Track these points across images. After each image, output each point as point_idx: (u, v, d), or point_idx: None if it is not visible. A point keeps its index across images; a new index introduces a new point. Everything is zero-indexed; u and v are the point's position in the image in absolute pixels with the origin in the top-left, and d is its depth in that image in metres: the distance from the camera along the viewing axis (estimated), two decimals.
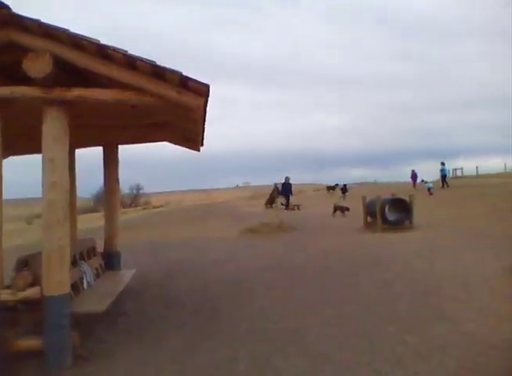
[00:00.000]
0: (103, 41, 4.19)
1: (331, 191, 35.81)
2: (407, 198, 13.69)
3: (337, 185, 35.15)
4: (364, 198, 14.58)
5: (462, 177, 47.73)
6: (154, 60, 4.16)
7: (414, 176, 32.09)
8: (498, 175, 41.85)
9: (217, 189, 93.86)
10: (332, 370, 4.03)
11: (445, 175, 29.20)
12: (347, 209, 18.58)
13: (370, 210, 14.04)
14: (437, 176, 30.40)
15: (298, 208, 23.91)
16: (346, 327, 5.16)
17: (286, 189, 24.52)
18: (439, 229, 12.55)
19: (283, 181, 25.14)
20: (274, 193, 25.90)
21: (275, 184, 26.41)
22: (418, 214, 14.01)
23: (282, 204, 23.96)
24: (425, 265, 8.15)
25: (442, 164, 29.07)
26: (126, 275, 6.97)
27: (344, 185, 31.35)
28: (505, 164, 43.05)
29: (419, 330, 4.92)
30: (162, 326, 5.57)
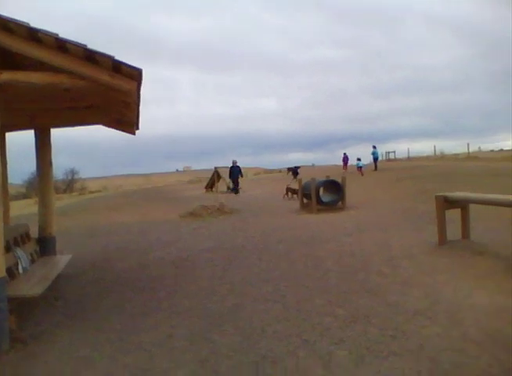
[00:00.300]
0: (36, 24, 4.14)
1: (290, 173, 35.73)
2: (340, 180, 14.28)
3: (295, 167, 34.52)
4: (300, 181, 15.05)
5: (395, 160, 49.99)
6: (85, 44, 4.17)
7: (345, 159, 33.21)
8: (428, 158, 44.20)
9: (157, 173, 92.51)
10: (265, 343, 4.28)
11: (377, 158, 30.47)
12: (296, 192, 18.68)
13: (306, 192, 14.52)
14: (370, 159, 31.63)
15: (237, 192, 24.20)
16: (280, 302, 5.45)
17: (234, 172, 24.37)
18: (369, 209, 13.23)
19: (220, 165, 25.35)
20: (214, 177, 26.04)
21: (216, 168, 26.54)
22: (350, 195, 14.66)
23: (229, 188, 23.96)
24: (354, 241, 8.64)
25: (374, 147, 30.33)
26: (62, 260, 6.91)
27: (296, 167, 31.99)
28: (434, 147, 45.36)
29: (346, 302, 5.29)
30: (101, 307, 5.63)
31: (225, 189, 24.83)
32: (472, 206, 7.47)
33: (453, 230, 7.61)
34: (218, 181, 25.82)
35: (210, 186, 26.12)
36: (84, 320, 5.17)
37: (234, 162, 24.41)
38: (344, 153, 33.49)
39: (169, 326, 4.85)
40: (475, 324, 4.32)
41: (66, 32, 4.13)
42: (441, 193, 7.47)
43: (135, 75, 4.39)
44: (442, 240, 7.33)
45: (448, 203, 7.28)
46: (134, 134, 7.43)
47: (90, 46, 4.18)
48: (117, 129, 7.49)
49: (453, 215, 7.57)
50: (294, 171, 31.00)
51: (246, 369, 3.76)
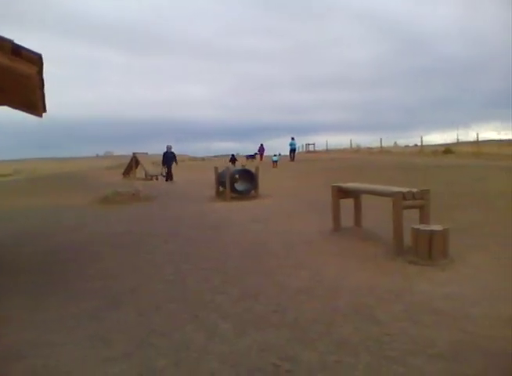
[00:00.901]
0: None
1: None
2: (254, 170, 14.78)
3: (233, 155, 34.10)
4: (216, 169, 15.37)
5: (314, 151, 51.77)
6: None
7: (261, 150, 34.18)
8: (344, 151, 46.22)
9: (76, 158, 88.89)
10: (158, 319, 4.57)
11: (294, 149, 31.58)
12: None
13: (221, 180, 14.89)
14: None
15: (157, 179, 24.06)
16: (179, 283, 5.75)
17: (168, 158, 22.85)
18: (280, 198, 13.85)
19: (142, 151, 24.86)
20: (132, 163, 25.66)
21: (134, 154, 26.15)
22: (265, 185, 15.22)
23: (162, 175, 23.05)
24: (259, 227, 9.13)
25: (292, 139, 31.41)
26: None
27: (233, 155, 32.37)
28: (350, 141, 47.51)
29: (240, 282, 5.70)
30: (5, 288, 5.64)
31: (143, 175, 24.56)
32: (369, 196, 8.15)
33: (351, 218, 8.28)
34: (137, 167, 25.50)
35: (128, 172, 25.72)
36: None
37: (169, 147, 22.88)
38: (261, 144, 34.52)
39: (71, 305, 5.00)
40: (347, 301, 4.88)
41: None
42: (335, 184, 8.10)
43: (35, 60, 4.46)
44: (337, 227, 7.97)
45: (342, 193, 7.92)
46: (41, 116, 7.37)
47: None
48: (23, 111, 7.39)
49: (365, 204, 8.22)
50: (232, 158, 31.43)
51: (134, 342, 4.03)
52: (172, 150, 23.03)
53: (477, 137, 28.37)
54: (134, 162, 25.51)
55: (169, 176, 22.48)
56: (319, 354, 3.68)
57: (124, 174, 26.08)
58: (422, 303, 4.69)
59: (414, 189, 6.48)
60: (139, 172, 25.74)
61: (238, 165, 28.41)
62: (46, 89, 5.95)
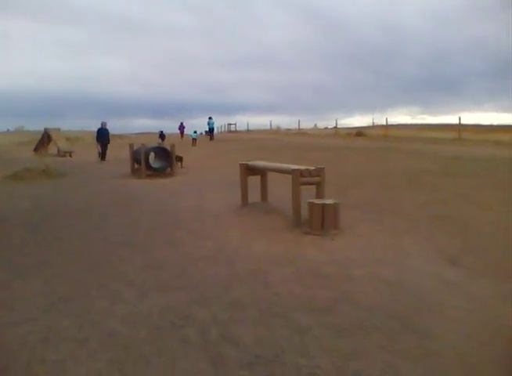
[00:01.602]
0: None
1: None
2: (169, 148, 14.92)
3: (161, 131, 33.04)
4: (131, 146, 15.31)
5: (235, 131, 52.26)
6: None
7: (182, 128, 34.18)
8: (265, 131, 47.13)
9: None
10: (64, 288, 4.78)
11: (212, 129, 31.86)
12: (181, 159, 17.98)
13: (137, 157, 14.87)
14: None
15: (70, 155, 23.32)
16: (87, 257, 5.93)
17: (102, 135, 20.82)
18: (196, 176, 14.15)
19: (56, 126, 23.73)
20: (44, 139, 24.63)
21: (45, 129, 25.09)
22: (183, 162, 15.41)
23: (99, 153, 21.41)
24: (172, 203, 9.41)
25: (210, 118, 31.74)
26: None
27: (161, 131, 31.72)
28: (270, 122, 48.53)
29: (147, 253, 6.00)
30: None
31: (55, 151, 23.69)
32: (279, 174, 8.60)
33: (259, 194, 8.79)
34: (49, 143, 24.52)
35: (39, 148, 24.66)
36: None
37: (103, 124, 20.72)
38: (181, 123, 34.51)
39: None
40: (245, 266, 5.36)
41: None
42: (243, 162, 8.56)
43: None
44: (244, 202, 8.45)
45: (249, 170, 8.39)
46: None
47: None
48: None
49: (274, 181, 8.72)
50: (161, 135, 30.85)
51: (40, 308, 4.24)
52: (107, 127, 21.08)
53: (387, 121, 30.25)
54: (46, 138, 24.52)
55: (103, 155, 20.72)
56: (213, 312, 4.11)
57: (35, 150, 24.98)
58: (310, 268, 5.27)
59: (311, 167, 7.07)
60: (52, 148, 24.79)
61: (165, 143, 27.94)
62: None
